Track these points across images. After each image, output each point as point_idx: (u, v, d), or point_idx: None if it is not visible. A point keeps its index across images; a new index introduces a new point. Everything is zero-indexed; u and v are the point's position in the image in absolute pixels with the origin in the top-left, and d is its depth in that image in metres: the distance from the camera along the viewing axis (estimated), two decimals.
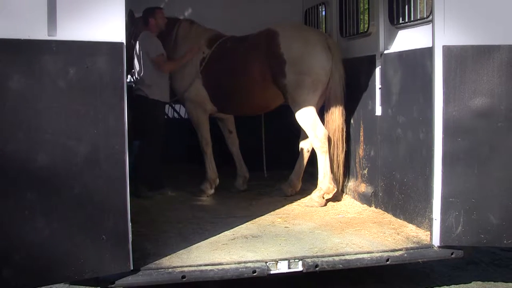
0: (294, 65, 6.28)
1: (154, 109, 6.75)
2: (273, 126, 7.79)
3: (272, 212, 6.00)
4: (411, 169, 5.38)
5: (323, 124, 6.42)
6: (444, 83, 4.44)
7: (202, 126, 7.02)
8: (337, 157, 6.49)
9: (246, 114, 7.09)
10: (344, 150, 6.51)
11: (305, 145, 6.88)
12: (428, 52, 4.77)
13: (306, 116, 6.35)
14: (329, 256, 4.52)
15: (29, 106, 3.70)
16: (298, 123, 6.50)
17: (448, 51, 4.42)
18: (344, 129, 6.47)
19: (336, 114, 6.41)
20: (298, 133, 6.87)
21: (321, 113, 6.52)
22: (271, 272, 4.35)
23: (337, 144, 6.46)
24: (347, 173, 6.73)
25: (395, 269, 5.14)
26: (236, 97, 6.72)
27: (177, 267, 4.24)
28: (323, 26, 7.89)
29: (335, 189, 6.45)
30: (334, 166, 6.50)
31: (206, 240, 4.93)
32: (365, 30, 6.40)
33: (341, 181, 6.59)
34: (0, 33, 3.59)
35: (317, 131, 6.35)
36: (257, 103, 6.77)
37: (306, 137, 6.71)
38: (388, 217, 5.74)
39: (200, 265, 4.28)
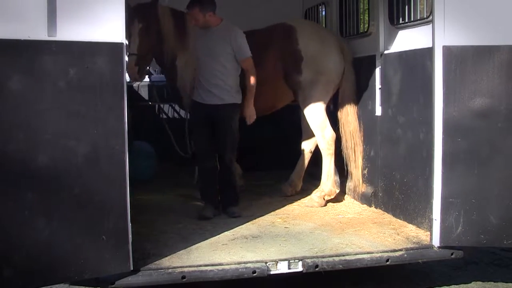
0: (311, 63, 6.22)
1: (190, 110, 6.20)
2: None
3: (272, 212, 6.00)
4: (411, 169, 5.37)
5: (338, 126, 6.30)
6: (444, 84, 4.44)
7: None
8: (355, 162, 6.29)
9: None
10: (362, 154, 6.29)
11: (307, 146, 6.81)
12: (428, 53, 4.76)
13: (316, 116, 6.28)
14: (329, 256, 4.52)
15: (29, 107, 3.69)
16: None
17: (448, 51, 4.42)
18: (360, 132, 6.30)
19: (351, 116, 6.31)
20: None
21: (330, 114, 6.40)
22: (271, 272, 4.35)
23: (355, 148, 6.27)
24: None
25: (395, 269, 5.14)
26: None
27: (177, 267, 4.24)
28: (323, 26, 7.87)
29: (337, 192, 6.41)
30: (354, 171, 6.30)
31: (206, 240, 4.92)
32: (365, 30, 6.39)
33: (360, 190, 6.34)
34: (0, 33, 3.59)
35: (325, 132, 6.28)
36: (265, 101, 6.44)
37: (308, 137, 6.67)
38: (388, 217, 5.74)
39: (200, 266, 4.27)
